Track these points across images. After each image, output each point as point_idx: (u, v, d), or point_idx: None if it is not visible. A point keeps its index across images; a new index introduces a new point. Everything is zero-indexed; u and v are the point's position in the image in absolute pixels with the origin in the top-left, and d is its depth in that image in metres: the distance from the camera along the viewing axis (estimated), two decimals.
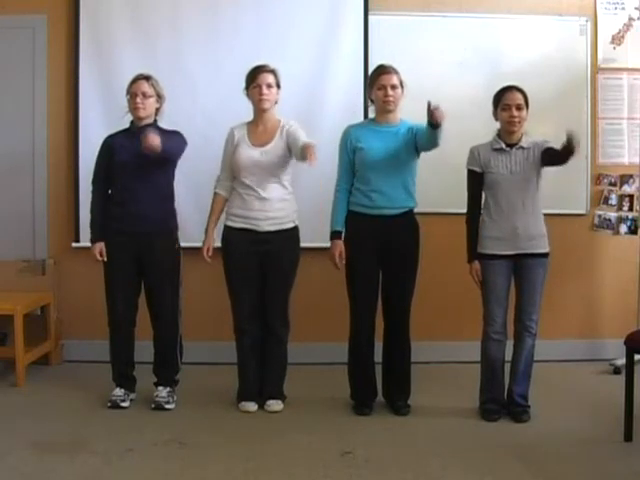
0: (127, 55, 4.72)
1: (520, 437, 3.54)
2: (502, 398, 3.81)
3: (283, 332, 3.94)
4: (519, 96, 3.72)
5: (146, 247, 3.86)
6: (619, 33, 4.98)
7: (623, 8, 4.96)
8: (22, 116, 4.85)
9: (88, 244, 4.02)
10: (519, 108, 3.70)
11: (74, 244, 4.80)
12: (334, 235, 3.84)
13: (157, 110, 3.95)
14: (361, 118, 4.48)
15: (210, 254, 3.89)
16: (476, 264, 3.76)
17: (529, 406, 3.79)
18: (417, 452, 3.38)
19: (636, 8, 4.97)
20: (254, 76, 3.85)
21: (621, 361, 4.26)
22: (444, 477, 3.12)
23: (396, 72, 3.81)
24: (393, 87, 3.76)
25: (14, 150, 4.87)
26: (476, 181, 3.78)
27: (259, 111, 3.89)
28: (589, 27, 4.94)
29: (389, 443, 3.48)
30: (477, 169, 3.77)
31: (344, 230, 3.85)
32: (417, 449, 3.42)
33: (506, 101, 3.71)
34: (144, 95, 3.85)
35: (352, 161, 3.82)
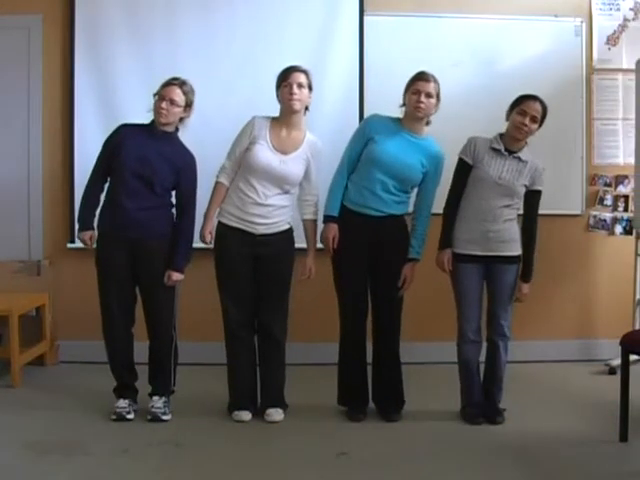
0: (122, 55, 4.72)
1: (515, 438, 3.54)
2: (481, 400, 3.79)
3: (282, 336, 3.85)
4: (538, 108, 3.68)
5: (142, 252, 3.74)
6: (614, 34, 4.99)
7: (618, 9, 4.98)
8: (17, 116, 4.85)
9: (78, 227, 3.95)
10: (533, 120, 3.67)
11: (69, 245, 4.80)
12: (328, 219, 3.78)
13: (181, 119, 3.80)
14: (356, 119, 4.49)
15: (211, 237, 3.78)
16: (447, 252, 3.73)
17: (504, 409, 3.79)
18: (413, 453, 3.38)
19: (631, 9, 4.99)
20: (285, 75, 3.71)
21: (616, 361, 4.27)
22: (440, 478, 3.12)
23: (435, 81, 3.74)
24: (428, 95, 3.69)
25: (9, 150, 4.86)
26: (464, 171, 3.75)
27: (288, 113, 3.73)
28: (584, 28, 4.95)
29: (385, 444, 3.48)
30: (468, 160, 3.74)
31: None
32: (413, 450, 3.42)
33: (524, 107, 3.67)
34: (171, 102, 3.69)
35: (361, 151, 3.76)
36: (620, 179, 5.00)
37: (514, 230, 3.72)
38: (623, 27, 4.99)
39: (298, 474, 3.15)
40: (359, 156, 3.78)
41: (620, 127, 5.01)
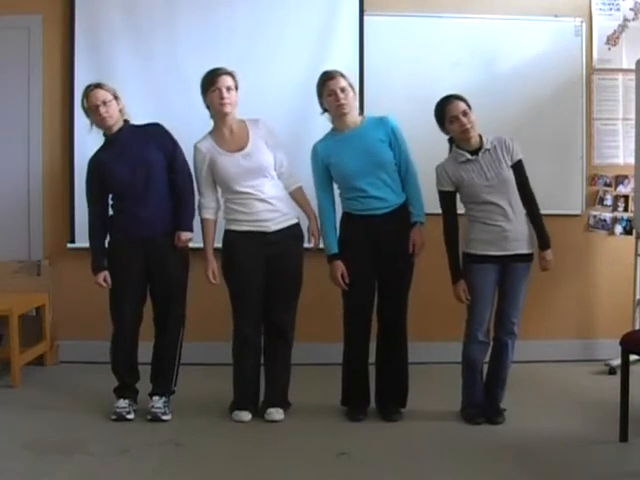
0: (123, 55, 4.72)
1: (515, 438, 3.54)
2: (481, 400, 3.79)
3: (292, 336, 3.85)
4: (461, 104, 3.67)
5: (153, 248, 3.76)
6: (614, 34, 4.99)
7: (618, 9, 4.98)
8: (17, 116, 4.85)
9: (83, 245, 3.99)
10: (465, 114, 3.65)
11: (69, 245, 4.80)
12: (331, 258, 3.78)
13: (120, 111, 3.80)
14: None
15: (216, 277, 3.80)
16: (462, 284, 3.71)
17: (504, 409, 3.79)
18: (413, 453, 3.38)
19: (631, 9, 4.99)
20: (212, 80, 3.69)
21: (616, 361, 4.26)
22: (440, 478, 3.12)
23: (342, 75, 3.75)
24: (342, 90, 3.70)
25: (9, 150, 4.87)
26: (450, 200, 3.74)
27: (221, 116, 3.74)
28: (584, 28, 4.94)
29: (385, 444, 3.48)
30: (450, 189, 3.72)
31: (339, 240, 3.80)
32: (413, 450, 3.42)
33: (451, 113, 3.65)
34: (104, 103, 3.70)
35: (327, 177, 3.80)
36: (620, 179, 5.00)
37: (527, 227, 3.71)
38: (623, 27, 4.99)
39: (298, 474, 3.15)
40: (329, 182, 3.81)
41: (620, 127, 5.01)
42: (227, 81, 3.72)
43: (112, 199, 3.85)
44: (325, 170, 3.79)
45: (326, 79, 3.75)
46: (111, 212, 3.87)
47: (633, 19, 4.98)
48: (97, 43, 4.78)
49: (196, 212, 3.86)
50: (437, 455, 3.35)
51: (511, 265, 3.68)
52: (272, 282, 3.78)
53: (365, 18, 4.83)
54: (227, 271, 3.80)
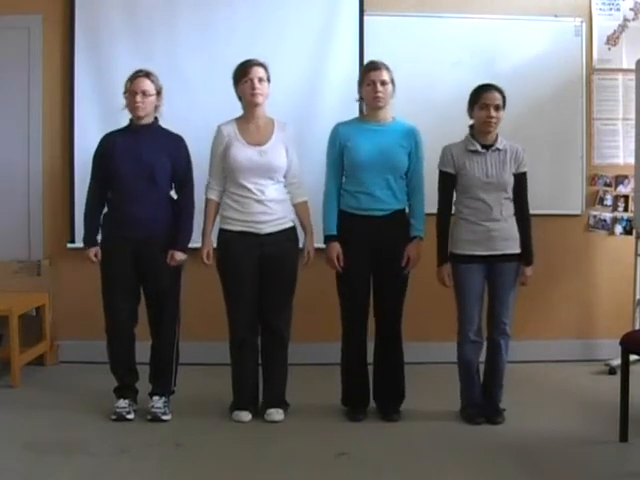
0: (123, 55, 4.71)
1: (515, 438, 3.54)
2: (480, 400, 3.79)
3: (287, 335, 3.85)
4: (498, 96, 3.68)
5: (146, 250, 3.75)
6: (614, 34, 4.99)
7: (618, 9, 4.98)
8: (17, 116, 4.85)
9: (83, 245, 3.99)
10: (497, 108, 3.66)
11: (69, 245, 4.80)
12: (329, 239, 3.79)
13: (156, 107, 3.83)
14: None
15: (210, 257, 3.79)
16: (447, 267, 3.73)
17: (504, 409, 3.79)
18: (413, 453, 3.38)
19: (631, 9, 4.99)
20: (245, 70, 3.71)
21: (616, 361, 4.26)
22: (440, 478, 3.12)
23: (387, 68, 3.75)
24: (383, 83, 3.70)
25: (9, 150, 4.87)
26: (449, 183, 3.75)
27: (251, 107, 3.76)
28: (584, 28, 4.95)
29: (385, 444, 3.48)
30: (451, 171, 3.73)
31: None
32: (413, 450, 3.42)
33: (485, 100, 3.67)
34: (144, 94, 3.72)
35: (340, 160, 3.78)
36: (620, 179, 5.00)
37: (515, 227, 3.72)
38: (623, 27, 4.99)
39: (298, 474, 3.15)
40: (341, 165, 3.79)
41: (620, 127, 5.01)
42: (259, 72, 3.73)
43: (110, 192, 3.83)
44: (339, 154, 3.77)
45: (370, 69, 3.75)
46: (106, 209, 3.86)
47: (633, 19, 4.99)
48: (97, 43, 4.79)
49: (193, 232, 3.86)
50: (437, 455, 3.35)
51: (499, 265, 3.68)
52: (267, 283, 3.77)
53: (365, 18, 4.83)
54: (221, 271, 3.79)
